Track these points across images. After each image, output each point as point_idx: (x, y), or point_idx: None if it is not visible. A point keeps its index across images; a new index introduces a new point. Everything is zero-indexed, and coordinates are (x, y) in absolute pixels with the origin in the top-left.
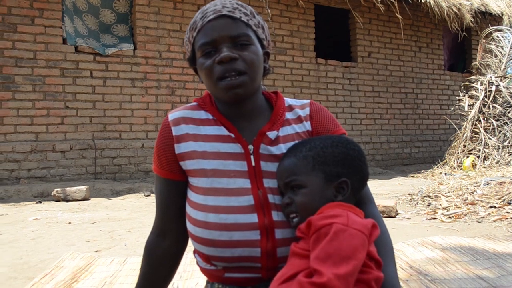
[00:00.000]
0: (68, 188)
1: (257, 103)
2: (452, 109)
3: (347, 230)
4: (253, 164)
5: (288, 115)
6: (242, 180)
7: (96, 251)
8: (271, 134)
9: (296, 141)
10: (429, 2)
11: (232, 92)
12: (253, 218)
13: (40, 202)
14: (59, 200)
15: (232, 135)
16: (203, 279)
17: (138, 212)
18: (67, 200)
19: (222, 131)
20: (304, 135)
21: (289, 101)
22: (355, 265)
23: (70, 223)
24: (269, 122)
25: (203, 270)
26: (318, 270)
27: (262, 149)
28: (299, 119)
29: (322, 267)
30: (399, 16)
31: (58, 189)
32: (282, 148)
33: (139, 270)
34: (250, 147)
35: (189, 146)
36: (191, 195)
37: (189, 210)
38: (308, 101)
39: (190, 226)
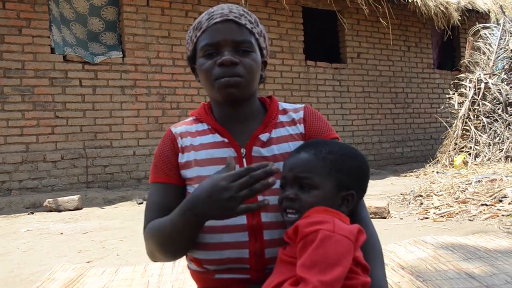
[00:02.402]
0: (60, 198)
1: (252, 107)
2: (442, 107)
3: (333, 237)
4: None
5: (282, 118)
6: None
7: (88, 262)
8: (263, 137)
9: (290, 143)
10: (416, 2)
11: (227, 91)
12: (242, 219)
13: (32, 213)
14: (51, 211)
15: (226, 140)
16: (194, 287)
17: (130, 221)
18: (59, 210)
19: (216, 138)
20: (298, 137)
21: (283, 105)
22: (341, 272)
23: (62, 234)
24: (261, 125)
25: (193, 274)
26: (304, 277)
27: (254, 152)
28: (292, 122)
29: (308, 275)
30: (383, 21)
31: (50, 200)
32: (274, 149)
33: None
34: (243, 150)
35: (189, 156)
36: None
37: None
38: (303, 105)
39: None
